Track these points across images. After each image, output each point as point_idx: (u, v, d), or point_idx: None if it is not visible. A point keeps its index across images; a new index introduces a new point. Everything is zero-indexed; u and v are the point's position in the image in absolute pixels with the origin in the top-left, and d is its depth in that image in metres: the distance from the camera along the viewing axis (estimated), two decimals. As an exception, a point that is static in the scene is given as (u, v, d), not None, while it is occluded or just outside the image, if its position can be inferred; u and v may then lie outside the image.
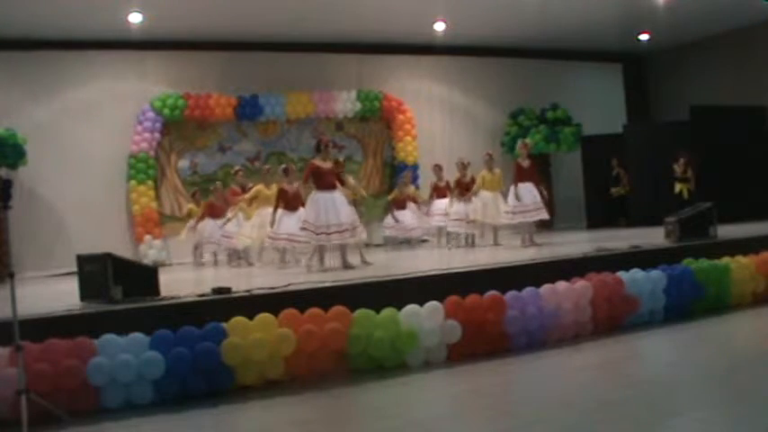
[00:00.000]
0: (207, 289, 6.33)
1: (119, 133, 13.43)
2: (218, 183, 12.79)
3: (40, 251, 12.47)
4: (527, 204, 10.56)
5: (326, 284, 6.59)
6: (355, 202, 9.41)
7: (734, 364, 5.35)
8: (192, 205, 13.06)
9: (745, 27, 15.32)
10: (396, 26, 14.19)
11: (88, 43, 13.17)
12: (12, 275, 4.81)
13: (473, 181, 11.53)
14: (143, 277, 6.37)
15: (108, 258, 6.16)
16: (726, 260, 7.67)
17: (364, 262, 9.31)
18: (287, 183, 9.81)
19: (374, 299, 6.06)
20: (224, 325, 5.44)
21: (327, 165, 8.85)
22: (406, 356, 5.85)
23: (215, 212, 11.91)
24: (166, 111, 13.64)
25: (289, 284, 6.63)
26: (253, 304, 5.82)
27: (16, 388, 4.54)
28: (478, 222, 11.45)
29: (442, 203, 12.55)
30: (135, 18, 12.31)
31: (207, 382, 5.25)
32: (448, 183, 12.65)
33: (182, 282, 8.46)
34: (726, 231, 9.31)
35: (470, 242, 11.80)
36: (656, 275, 7.07)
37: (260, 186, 10.77)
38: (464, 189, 11.56)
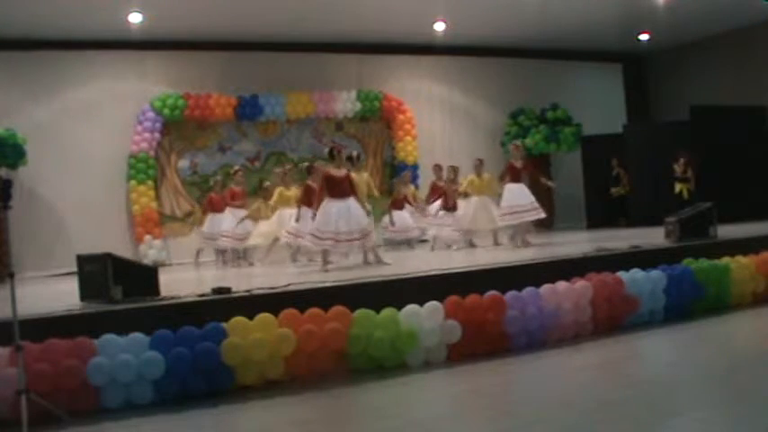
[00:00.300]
0: (207, 289, 6.33)
1: (119, 133, 13.43)
2: (217, 177, 12.79)
3: (40, 251, 12.47)
4: (522, 205, 10.46)
5: (326, 284, 6.59)
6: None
7: (734, 364, 5.35)
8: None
9: (745, 27, 15.32)
10: (396, 26, 14.19)
11: (88, 43, 13.17)
12: (12, 275, 4.81)
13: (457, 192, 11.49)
14: (143, 277, 6.36)
15: (108, 258, 6.16)
16: (726, 260, 7.67)
17: (381, 262, 9.21)
18: (311, 181, 9.82)
19: (374, 299, 6.06)
20: (224, 325, 5.43)
21: (341, 172, 8.79)
22: (406, 356, 5.85)
23: (215, 206, 11.93)
24: (166, 111, 13.65)
25: (289, 284, 6.63)
26: (253, 304, 5.82)
27: (16, 388, 4.54)
28: (471, 230, 11.39)
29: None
30: (135, 18, 12.31)
31: (207, 382, 5.25)
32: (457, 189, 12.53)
33: (182, 282, 8.47)
34: (726, 231, 9.31)
35: (469, 243, 11.64)
36: (656, 275, 7.07)
37: (280, 188, 10.81)
38: (449, 199, 11.54)
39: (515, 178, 10.64)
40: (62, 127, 13.03)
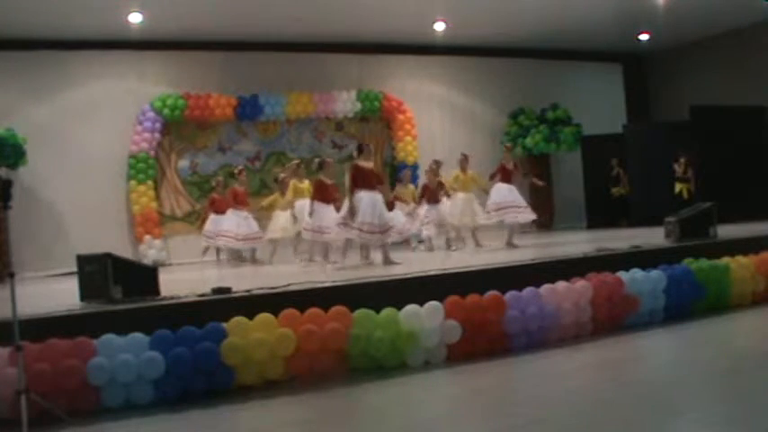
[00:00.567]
0: (207, 289, 6.32)
1: (119, 133, 13.43)
2: (219, 178, 12.82)
3: (40, 251, 12.47)
4: (509, 202, 10.40)
5: (326, 284, 6.59)
6: None
7: (734, 364, 5.35)
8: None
9: (745, 27, 15.32)
10: (396, 26, 14.20)
11: (88, 43, 13.18)
12: (12, 275, 4.81)
13: (441, 185, 11.43)
14: (143, 277, 6.36)
15: (108, 258, 6.16)
16: (726, 260, 7.67)
17: (391, 262, 9.16)
18: (323, 176, 9.90)
19: (374, 299, 6.06)
20: (224, 325, 5.43)
21: (369, 165, 9.04)
22: (406, 356, 5.85)
23: (218, 207, 11.97)
24: (166, 111, 13.64)
25: (289, 284, 6.63)
26: (253, 304, 5.82)
27: (16, 388, 4.54)
28: (454, 226, 11.33)
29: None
30: (135, 18, 12.31)
31: (207, 382, 5.25)
32: (441, 182, 12.38)
33: (182, 282, 8.46)
34: (726, 231, 9.31)
35: (448, 245, 11.45)
36: (656, 275, 7.07)
37: (294, 181, 10.88)
38: (432, 193, 11.40)
39: (506, 179, 10.60)
40: (62, 127, 13.03)
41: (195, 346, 5.24)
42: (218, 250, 12.58)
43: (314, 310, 5.75)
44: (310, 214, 9.67)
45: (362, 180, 8.80)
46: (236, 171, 12.49)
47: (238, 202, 11.66)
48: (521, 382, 5.52)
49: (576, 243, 10.76)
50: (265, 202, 11.66)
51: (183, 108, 13.75)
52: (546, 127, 16.12)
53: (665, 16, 14.05)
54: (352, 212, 8.67)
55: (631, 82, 18.39)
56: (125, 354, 5.10)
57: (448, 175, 11.99)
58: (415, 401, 5.06)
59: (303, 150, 14.91)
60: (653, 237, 9.41)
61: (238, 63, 14.31)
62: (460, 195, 11.14)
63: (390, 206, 12.61)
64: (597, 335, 6.56)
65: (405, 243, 13.14)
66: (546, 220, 16.86)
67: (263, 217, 11.93)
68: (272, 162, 14.68)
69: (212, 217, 12.08)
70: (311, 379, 5.56)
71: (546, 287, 6.52)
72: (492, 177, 10.77)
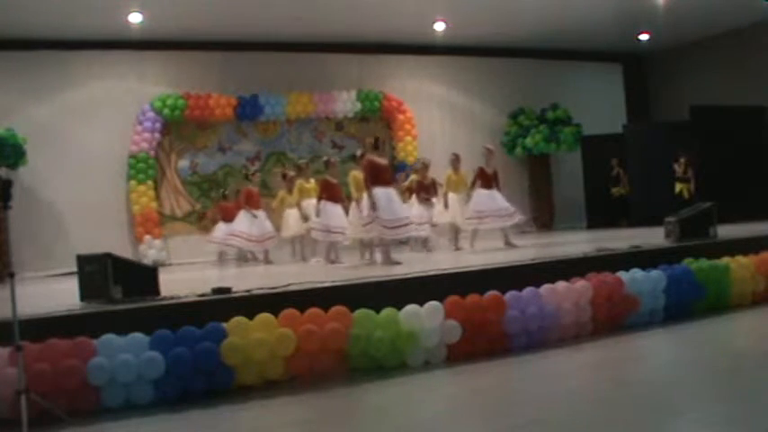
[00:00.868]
0: (207, 289, 6.32)
1: (119, 133, 13.45)
2: (229, 185, 12.88)
3: (40, 251, 12.48)
4: (492, 210, 10.18)
5: (326, 284, 6.58)
6: None
7: (734, 364, 5.35)
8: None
9: (745, 27, 15.32)
10: (396, 26, 14.20)
11: (88, 43, 13.19)
12: (12, 275, 4.80)
13: (434, 184, 11.34)
14: (143, 277, 6.36)
15: (108, 258, 6.15)
16: (726, 260, 7.66)
17: (392, 262, 9.12)
18: (329, 175, 9.93)
19: (374, 299, 6.06)
20: (224, 325, 5.43)
21: (384, 161, 9.05)
22: (406, 356, 5.85)
23: (227, 215, 12.03)
24: (166, 111, 13.65)
25: (289, 284, 6.63)
26: (253, 304, 5.81)
27: (16, 388, 4.54)
28: (446, 226, 11.26)
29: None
30: (135, 18, 12.32)
31: (207, 382, 5.25)
32: (434, 181, 12.19)
33: (182, 282, 8.46)
34: (726, 231, 9.30)
35: (427, 246, 11.34)
36: (656, 275, 7.06)
37: (300, 181, 10.92)
38: (425, 192, 11.27)
39: (486, 184, 10.30)
40: (62, 127, 13.04)
41: (195, 346, 5.24)
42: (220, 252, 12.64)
43: (314, 310, 5.75)
44: (318, 214, 9.67)
45: (378, 176, 8.74)
46: (249, 174, 12.51)
47: (251, 203, 11.66)
48: (521, 382, 5.52)
49: (576, 243, 10.75)
50: (275, 203, 11.68)
51: (183, 108, 13.76)
52: (546, 127, 16.12)
53: (665, 16, 14.06)
54: (374, 209, 8.59)
55: (631, 82, 18.40)
56: (125, 354, 5.10)
57: (438, 175, 11.90)
58: (415, 401, 5.06)
59: (303, 150, 14.92)
60: (653, 237, 9.40)
61: (238, 63, 14.32)
62: (452, 196, 11.06)
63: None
64: (597, 335, 6.56)
65: (403, 243, 13.19)
66: (546, 220, 16.89)
67: (274, 217, 11.94)
68: (272, 162, 14.68)
69: (220, 225, 12.16)
70: (311, 379, 5.56)
71: (546, 287, 6.51)
72: (473, 185, 10.48)
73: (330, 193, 9.72)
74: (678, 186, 13.43)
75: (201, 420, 4.84)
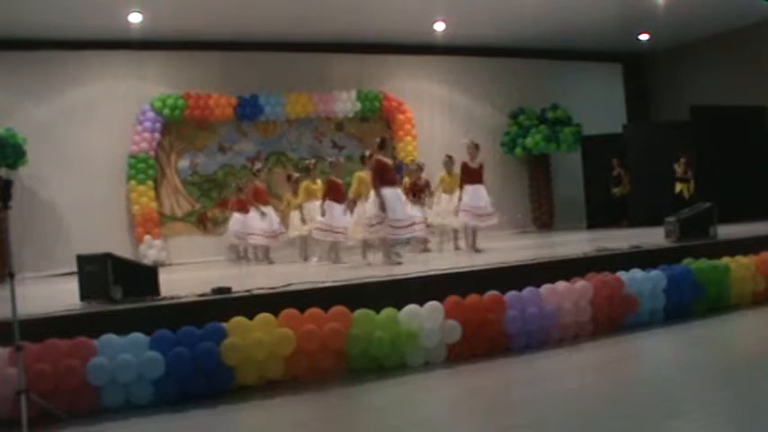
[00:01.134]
0: (207, 289, 6.33)
1: (119, 133, 13.43)
2: (242, 180, 12.97)
3: (40, 251, 12.47)
4: (480, 207, 10.06)
5: (326, 284, 6.59)
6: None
7: (734, 364, 5.36)
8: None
9: (745, 27, 15.31)
10: (396, 26, 14.19)
11: (88, 43, 13.17)
12: (12, 275, 4.81)
13: (427, 184, 11.28)
14: (143, 277, 6.36)
15: (108, 258, 6.16)
16: (726, 260, 7.67)
17: (391, 262, 9.07)
18: (334, 176, 9.95)
19: (374, 299, 6.06)
20: (224, 325, 5.44)
21: (391, 161, 9.11)
22: (406, 356, 5.85)
23: (242, 207, 12.07)
24: (166, 111, 13.65)
25: (289, 284, 6.63)
26: (253, 304, 5.82)
27: (16, 388, 4.54)
28: (439, 227, 11.22)
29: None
30: (135, 18, 12.31)
31: (207, 382, 5.25)
32: (427, 182, 11.87)
33: (182, 282, 8.47)
34: (726, 231, 9.31)
35: (426, 247, 11.28)
36: (656, 275, 7.07)
37: (306, 183, 10.91)
38: (418, 193, 11.11)
39: (472, 179, 10.12)
40: (62, 127, 13.03)
41: (195, 346, 5.25)
42: (231, 248, 12.71)
43: (314, 310, 5.75)
44: (322, 213, 9.68)
45: (386, 176, 8.77)
46: (255, 169, 12.50)
47: (259, 199, 11.70)
48: (521, 382, 5.52)
49: (576, 243, 10.76)
50: (282, 206, 11.70)
51: (183, 108, 13.75)
52: (546, 127, 16.12)
53: (665, 16, 14.04)
54: (383, 209, 8.62)
55: (631, 82, 18.38)
56: (125, 354, 5.10)
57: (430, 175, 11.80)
58: (415, 401, 5.06)
59: (303, 150, 14.92)
60: (653, 237, 9.41)
61: (238, 63, 14.31)
62: (445, 197, 11.01)
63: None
64: (597, 335, 6.56)
65: (406, 244, 13.18)
66: (546, 220, 16.89)
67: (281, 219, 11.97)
68: (273, 162, 14.68)
69: (236, 216, 12.16)
70: (311, 379, 5.56)
71: (546, 287, 6.51)
72: (462, 185, 10.27)
73: (334, 193, 9.75)
74: (678, 186, 13.43)
75: (201, 420, 4.84)
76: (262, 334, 5.45)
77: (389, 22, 13.89)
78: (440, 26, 14.31)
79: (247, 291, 6.28)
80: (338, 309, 5.79)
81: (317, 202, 10.21)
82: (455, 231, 11.33)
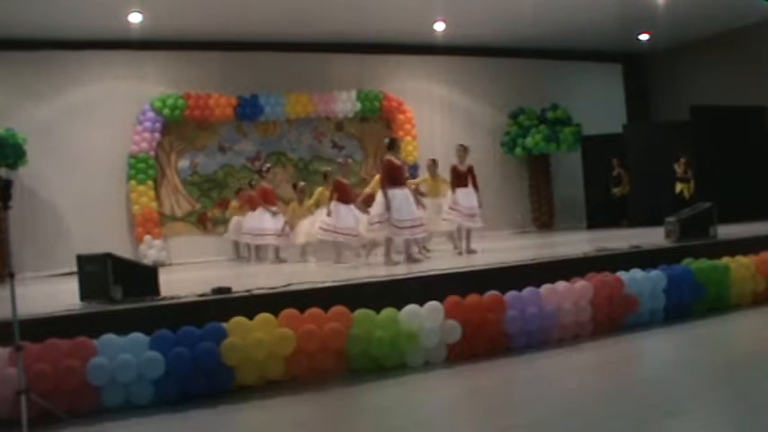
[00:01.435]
0: (207, 289, 6.33)
1: (119, 133, 13.43)
2: (255, 177, 12.98)
3: (40, 251, 12.47)
4: (467, 208, 10.01)
5: (326, 284, 6.59)
6: None
7: (734, 364, 5.36)
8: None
9: (746, 27, 15.31)
10: (396, 26, 14.19)
11: (88, 43, 13.17)
12: (12, 275, 4.81)
13: (416, 188, 11.25)
14: (143, 277, 6.37)
15: (108, 258, 6.16)
16: (726, 260, 7.67)
17: (392, 261, 9.07)
18: (341, 176, 9.96)
19: (374, 299, 6.06)
20: (224, 325, 5.44)
21: (400, 161, 9.10)
22: (406, 356, 5.85)
23: (253, 204, 12.09)
24: (166, 111, 13.64)
25: (289, 284, 6.63)
26: (253, 304, 5.82)
27: (16, 388, 4.54)
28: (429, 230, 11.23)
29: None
30: (135, 18, 12.31)
31: (207, 382, 5.25)
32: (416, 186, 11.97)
33: (182, 282, 8.47)
34: (726, 231, 9.31)
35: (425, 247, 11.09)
36: (656, 275, 7.07)
37: (321, 188, 10.89)
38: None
39: (461, 182, 10.08)
40: (62, 127, 13.03)
41: (195, 346, 5.25)
42: (237, 246, 12.87)
43: (314, 310, 5.75)
44: (329, 214, 9.67)
45: (395, 177, 8.78)
46: (263, 169, 12.48)
47: (267, 199, 11.71)
48: (521, 382, 5.52)
49: (576, 243, 10.76)
50: (286, 216, 11.65)
51: (183, 108, 13.75)
52: (546, 127, 16.12)
53: (665, 16, 14.05)
54: (389, 209, 8.62)
55: (631, 82, 18.38)
56: (125, 354, 5.10)
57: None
58: (415, 401, 5.06)
59: (303, 151, 14.93)
60: (653, 237, 9.41)
61: (238, 63, 14.31)
62: (429, 201, 10.93)
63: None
64: (597, 335, 6.56)
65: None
66: (546, 220, 16.89)
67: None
68: (272, 162, 14.68)
69: (250, 214, 12.16)
70: (311, 379, 5.56)
71: (546, 287, 6.52)
72: (452, 188, 10.20)
73: (342, 194, 9.73)
74: (678, 186, 13.43)
75: (201, 420, 4.84)
76: (262, 334, 5.45)
77: (389, 21, 13.89)
78: (440, 26, 14.31)
79: (247, 291, 6.28)
80: (338, 309, 5.79)
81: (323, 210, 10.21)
82: (450, 234, 11.32)
